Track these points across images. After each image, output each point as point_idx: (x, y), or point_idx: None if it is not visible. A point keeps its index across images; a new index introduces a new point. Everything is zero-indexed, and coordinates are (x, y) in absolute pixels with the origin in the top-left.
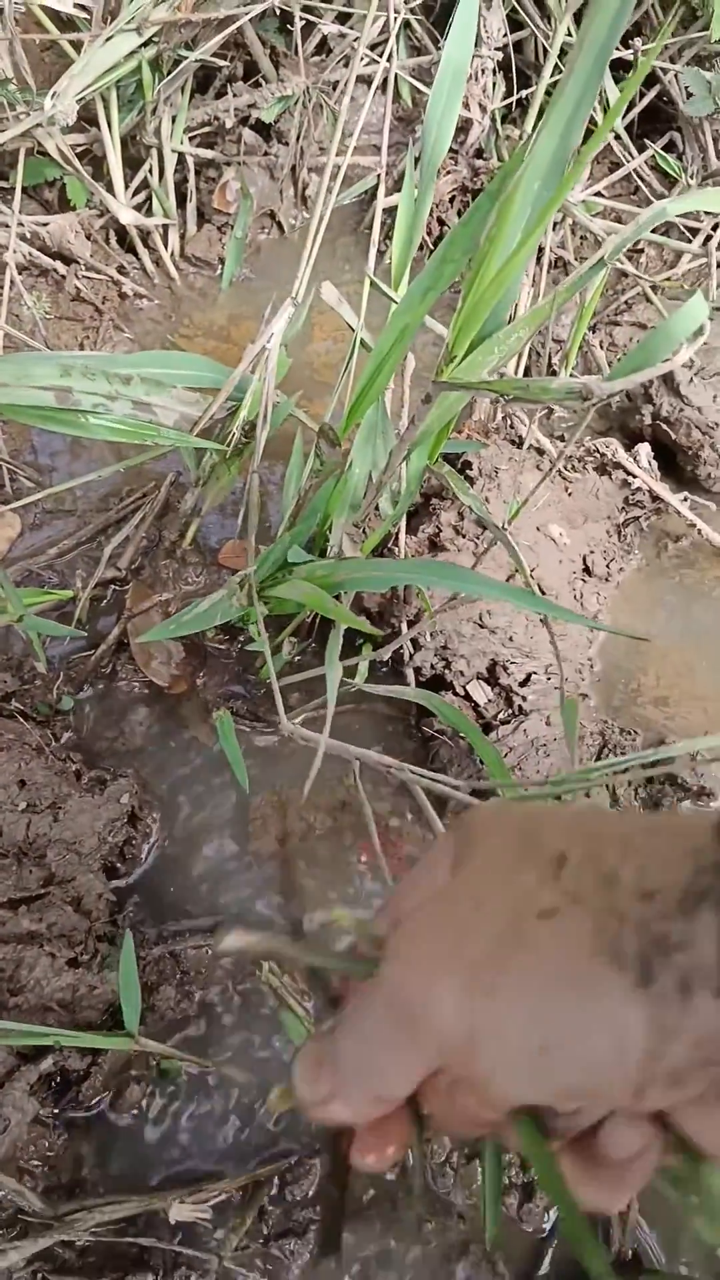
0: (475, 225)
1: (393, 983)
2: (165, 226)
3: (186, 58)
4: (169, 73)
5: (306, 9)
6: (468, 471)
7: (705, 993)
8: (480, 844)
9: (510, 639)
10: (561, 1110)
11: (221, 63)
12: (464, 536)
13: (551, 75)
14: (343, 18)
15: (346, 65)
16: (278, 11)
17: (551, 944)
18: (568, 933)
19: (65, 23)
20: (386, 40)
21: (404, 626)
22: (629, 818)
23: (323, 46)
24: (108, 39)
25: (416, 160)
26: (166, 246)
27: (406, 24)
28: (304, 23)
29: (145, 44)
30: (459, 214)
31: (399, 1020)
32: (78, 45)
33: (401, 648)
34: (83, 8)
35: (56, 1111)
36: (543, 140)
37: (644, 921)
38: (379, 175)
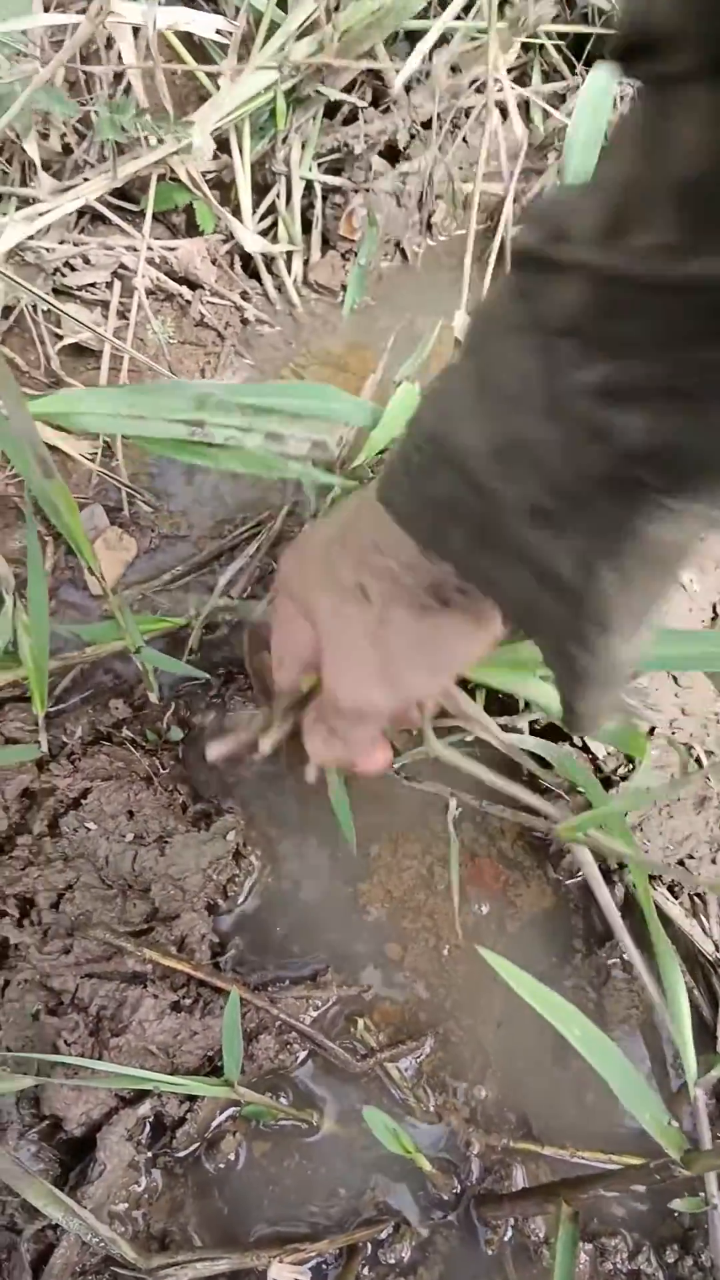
0: None
1: (344, 701)
2: (289, 253)
3: (323, 94)
4: (302, 102)
5: (442, 40)
6: None
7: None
8: (312, 603)
9: (633, 689)
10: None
11: (352, 99)
12: None
13: None
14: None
15: (480, 91)
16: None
17: (398, 640)
18: (397, 633)
19: (199, 50)
20: (522, 65)
21: None
22: (345, 534)
23: (455, 70)
24: (247, 74)
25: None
26: (290, 272)
27: (541, 48)
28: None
29: (282, 79)
30: None
31: (359, 712)
32: (213, 77)
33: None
34: (222, 32)
35: (150, 1156)
36: None
37: (434, 584)
38: (509, 202)
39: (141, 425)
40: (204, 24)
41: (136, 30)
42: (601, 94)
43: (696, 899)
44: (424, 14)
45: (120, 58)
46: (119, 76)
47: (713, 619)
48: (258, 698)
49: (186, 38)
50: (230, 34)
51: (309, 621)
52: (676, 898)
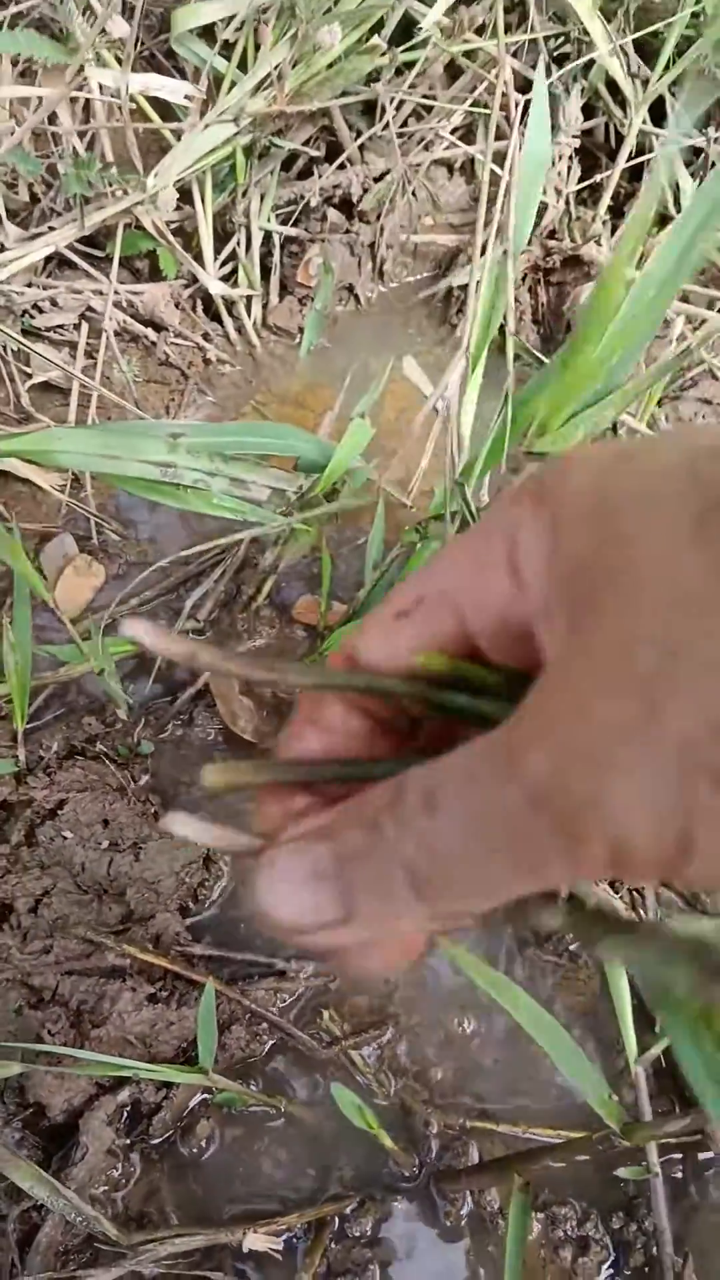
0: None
1: (538, 769)
2: (249, 297)
3: (280, 146)
4: (261, 157)
5: (393, 100)
6: None
7: None
8: (639, 566)
9: None
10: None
11: (308, 150)
12: None
13: (627, 160)
14: (426, 109)
15: (428, 149)
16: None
17: None
18: None
19: (163, 105)
20: (468, 124)
21: None
22: None
23: (405, 129)
24: (205, 127)
25: (497, 241)
26: (250, 316)
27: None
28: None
29: (240, 132)
30: (530, 291)
31: (553, 824)
32: (177, 133)
33: None
34: (190, 98)
35: (128, 1143)
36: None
37: None
38: (456, 253)
39: (115, 465)
40: (173, 89)
41: (101, 86)
42: (541, 153)
43: (635, 893)
44: (374, 76)
45: (88, 116)
46: (84, 134)
47: None
48: (224, 716)
49: (156, 104)
50: (194, 98)
51: (574, 579)
52: (617, 892)
